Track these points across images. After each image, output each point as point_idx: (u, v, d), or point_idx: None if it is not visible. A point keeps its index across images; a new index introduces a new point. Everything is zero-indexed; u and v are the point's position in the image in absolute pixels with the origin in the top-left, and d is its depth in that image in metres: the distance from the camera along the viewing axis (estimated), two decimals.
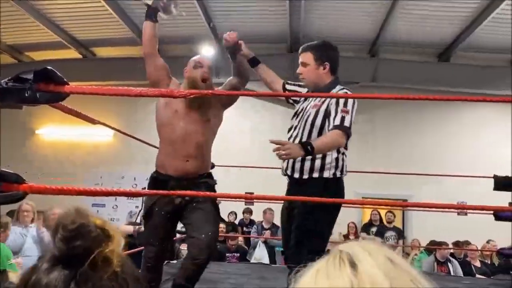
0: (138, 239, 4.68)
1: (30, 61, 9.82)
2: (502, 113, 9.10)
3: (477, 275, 5.81)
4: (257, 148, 9.38)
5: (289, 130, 2.72)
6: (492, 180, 4.68)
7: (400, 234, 7.67)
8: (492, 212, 3.47)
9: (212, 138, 2.88)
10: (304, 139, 2.52)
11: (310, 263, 0.59)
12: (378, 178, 7.79)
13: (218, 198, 3.62)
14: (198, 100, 2.52)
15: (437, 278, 5.11)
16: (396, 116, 9.25)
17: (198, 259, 2.52)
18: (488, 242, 7.09)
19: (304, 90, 2.82)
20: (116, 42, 9.29)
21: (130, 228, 5.41)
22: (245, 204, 8.28)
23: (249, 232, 7.51)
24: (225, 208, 7.76)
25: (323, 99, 2.58)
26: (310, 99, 2.67)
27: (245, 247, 7.17)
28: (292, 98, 2.93)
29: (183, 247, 6.38)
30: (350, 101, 2.47)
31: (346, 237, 7.86)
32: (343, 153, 2.56)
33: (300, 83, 2.87)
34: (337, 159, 2.52)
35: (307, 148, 2.26)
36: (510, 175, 4.71)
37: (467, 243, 6.73)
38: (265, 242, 6.72)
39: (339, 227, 7.88)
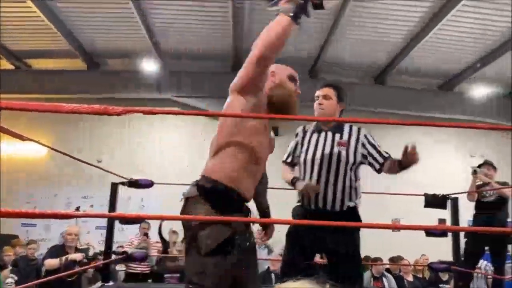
0: None
1: None
2: (432, 134, 9.69)
3: None
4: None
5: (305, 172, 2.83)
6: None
7: None
8: (424, 229, 3.65)
9: None
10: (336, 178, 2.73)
11: None
12: None
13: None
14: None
15: None
16: None
17: None
18: (421, 257, 7.41)
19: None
20: (53, 54, 8.91)
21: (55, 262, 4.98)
22: None
23: None
24: (166, 226, 7.57)
25: (346, 139, 2.79)
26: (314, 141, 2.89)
27: None
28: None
29: (119, 268, 6.14)
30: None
31: None
32: None
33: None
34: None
35: None
36: (438, 193, 4.99)
37: (400, 258, 7.00)
38: None
39: (279, 245, 7.92)
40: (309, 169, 2.77)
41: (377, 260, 6.36)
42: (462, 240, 4.93)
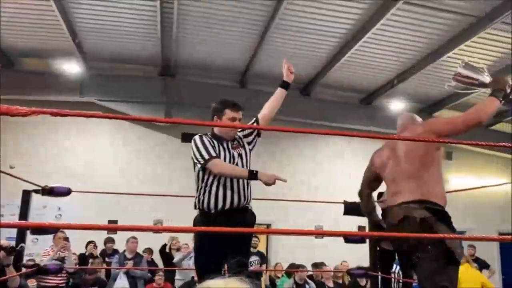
0: None
1: None
2: (356, 145, 10.17)
3: None
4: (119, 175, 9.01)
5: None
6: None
7: (263, 258, 7.91)
8: (342, 236, 3.78)
9: None
10: None
11: None
12: None
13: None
14: None
15: None
16: (263, 143, 9.67)
17: None
18: (341, 263, 7.70)
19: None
20: None
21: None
22: (108, 233, 7.77)
23: (110, 263, 7.04)
24: (81, 237, 7.21)
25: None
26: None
27: (105, 279, 6.70)
28: None
29: (31, 283, 5.71)
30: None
31: None
32: None
33: None
34: None
35: None
36: (358, 201, 5.21)
37: (322, 264, 7.23)
38: (126, 273, 6.35)
39: None
40: None
41: (300, 267, 6.50)
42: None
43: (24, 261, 4.89)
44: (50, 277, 5.73)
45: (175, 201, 7.85)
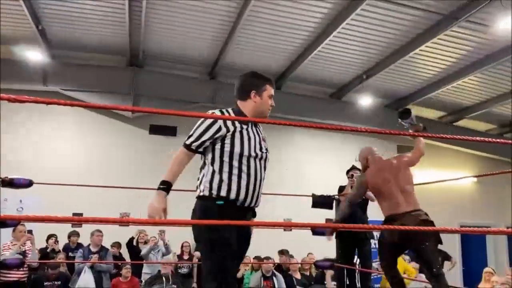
0: None
1: None
2: (325, 140, 10.28)
3: (297, 287, 6.30)
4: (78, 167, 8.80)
5: None
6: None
7: None
8: (310, 228, 3.81)
9: None
10: None
11: None
12: None
13: None
14: None
15: None
16: None
17: None
18: (307, 255, 7.77)
19: None
20: None
21: None
22: (72, 227, 7.57)
23: (74, 257, 6.86)
24: (44, 231, 7.00)
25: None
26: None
27: (69, 274, 6.53)
28: None
29: None
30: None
31: (180, 256, 7.79)
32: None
33: None
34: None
35: None
36: (325, 194, 5.28)
37: (288, 253, 7.28)
38: (91, 267, 6.21)
39: (173, 247, 7.77)
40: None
41: (267, 259, 6.52)
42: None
43: None
44: (11, 272, 5.54)
45: (142, 194, 7.70)
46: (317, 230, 4.04)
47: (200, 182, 2.44)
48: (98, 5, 7.07)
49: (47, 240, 7.03)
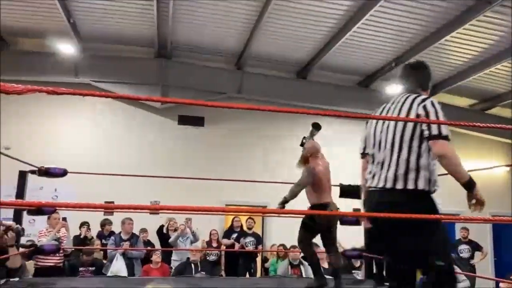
0: None
1: None
2: (351, 129, 10.18)
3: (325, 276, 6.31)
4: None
5: None
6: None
7: (259, 240, 7.98)
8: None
9: None
10: None
11: None
12: (240, 186, 8.02)
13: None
14: None
15: (290, 280, 5.43)
16: (260, 128, 9.67)
17: None
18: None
19: None
20: None
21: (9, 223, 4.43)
22: (104, 215, 7.80)
23: (106, 244, 7.08)
24: (77, 219, 7.23)
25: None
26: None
27: (103, 260, 6.75)
28: None
29: (29, 263, 5.75)
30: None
31: (209, 244, 7.92)
32: None
33: None
34: None
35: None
36: (353, 184, 5.25)
37: (316, 245, 7.27)
38: (123, 254, 6.40)
39: (201, 235, 7.92)
40: None
41: (294, 248, 6.56)
42: None
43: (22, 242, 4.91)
44: (48, 258, 5.78)
45: (172, 182, 7.88)
46: (345, 219, 4.05)
47: (414, 174, 2.40)
48: None
49: (80, 228, 7.26)
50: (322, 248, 7.36)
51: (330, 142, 10.30)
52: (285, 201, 4.21)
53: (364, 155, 2.90)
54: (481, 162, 10.56)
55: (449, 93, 10.02)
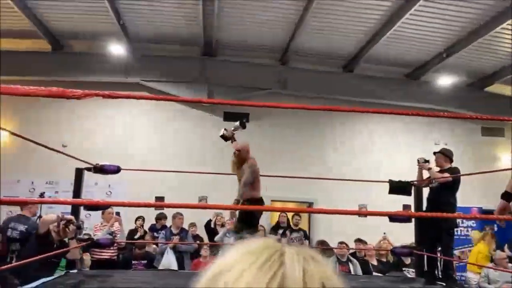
0: None
1: None
2: (400, 122, 9.91)
3: (374, 273, 6.21)
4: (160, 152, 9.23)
5: None
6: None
7: (306, 235, 7.94)
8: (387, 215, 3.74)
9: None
10: None
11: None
12: (286, 182, 8.01)
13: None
14: None
15: None
16: (303, 123, 9.61)
17: None
18: (384, 238, 7.56)
19: None
20: (16, 34, 8.55)
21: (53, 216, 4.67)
22: (155, 209, 8.03)
23: (157, 237, 7.29)
24: (131, 214, 7.48)
25: None
26: None
27: (154, 254, 6.96)
28: None
29: (86, 256, 6.04)
30: None
31: None
32: None
33: None
34: None
35: None
36: (404, 180, 5.12)
37: (364, 243, 7.16)
38: (173, 248, 6.57)
39: None
40: None
41: (341, 244, 6.48)
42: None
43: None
44: (103, 251, 6.04)
45: (220, 177, 7.99)
46: (395, 217, 3.96)
47: None
48: None
49: (135, 221, 7.52)
50: (370, 244, 7.27)
51: (371, 137, 10.11)
52: (237, 203, 4.57)
53: None
54: None
55: (505, 83, 9.52)
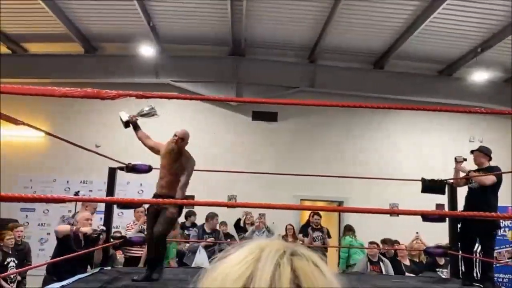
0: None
1: None
2: (432, 119, 9.68)
3: (406, 273, 6.09)
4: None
5: None
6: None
7: (327, 234, 7.85)
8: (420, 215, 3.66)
9: None
10: None
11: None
12: (315, 181, 7.96)
13: None
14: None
15: (369, 277, 5.30)
16: (332, 122, 9.53)
17: None
18: (416, 238, 7.39)
19: None
20: (50, 38, 8.83)
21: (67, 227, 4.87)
22: (185, 207, 8.13)
23: (189, 235, 7.37)
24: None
25: None
26: None
27: (185, 251, 7.03)
28: None
29: (119, 254, 6.17)
30: None
31: (285, 238, 7.96)
32: None
33: None
34: None
35: None
36: (437, 178, 5.00)
37: (396, 242, 7.03)
38: (205, 247, 6.63)
39: (277, 229, 7.99)
40: None
41: (372, 244, 6.39)
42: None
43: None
44: (135, 249, 6.15)
45: (249, 176, 8.03)
46: (428, 216, 3.87)
47: None
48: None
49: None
50: (402, 244, 7.13)
51: (402, 135, 9.90)
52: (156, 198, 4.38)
53: None
54: None
55: None
